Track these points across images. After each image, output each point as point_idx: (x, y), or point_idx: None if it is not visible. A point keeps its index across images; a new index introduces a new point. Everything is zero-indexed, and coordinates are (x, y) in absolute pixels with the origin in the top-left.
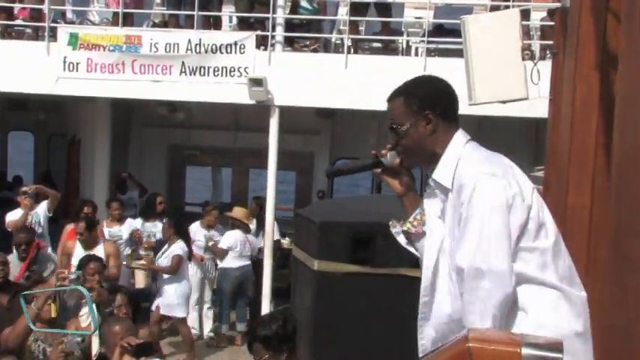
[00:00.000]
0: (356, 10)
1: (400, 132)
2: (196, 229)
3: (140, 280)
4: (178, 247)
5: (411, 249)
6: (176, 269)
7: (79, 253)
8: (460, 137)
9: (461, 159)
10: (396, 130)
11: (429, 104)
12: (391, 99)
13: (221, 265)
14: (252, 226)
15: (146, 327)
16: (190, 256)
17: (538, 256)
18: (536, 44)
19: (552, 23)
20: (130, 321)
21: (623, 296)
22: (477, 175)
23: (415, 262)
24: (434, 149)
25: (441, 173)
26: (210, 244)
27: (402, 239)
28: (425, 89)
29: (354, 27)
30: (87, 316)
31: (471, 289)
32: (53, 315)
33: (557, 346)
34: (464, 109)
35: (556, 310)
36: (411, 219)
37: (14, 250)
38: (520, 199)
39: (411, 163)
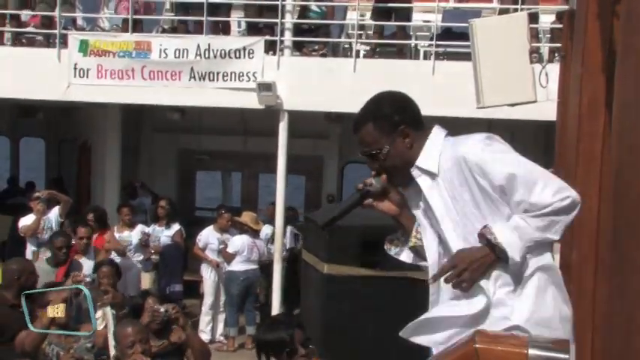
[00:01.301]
0: (378, 14)
1: (381, 156)
2: (209, 233)
3: (146, 283)
4: None
5: (422, 262)
6: None
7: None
8: (438, 131)
9: (445, 146)
10: (377, 156)
11: (400, 119)
12: (359, 128)
13: (228, 268)
14: (268, 230)
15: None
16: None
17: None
18: (544, 47)
19: (561, 26)
20: (142, 324)
21: (622, 297)
22: (477, 143)
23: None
24: (417, 159)
25: (425, 160)
26: (221, 247)
27: (405, 257)
28: (389, 106)
29: (376, 31)
30: (102, 319)
31: (557, 209)
32: (60, 315)
33: (563, 347)
34: (472, 112)
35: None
36: (414, 233)
37: (45, 254)
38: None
39: (400, 182)
